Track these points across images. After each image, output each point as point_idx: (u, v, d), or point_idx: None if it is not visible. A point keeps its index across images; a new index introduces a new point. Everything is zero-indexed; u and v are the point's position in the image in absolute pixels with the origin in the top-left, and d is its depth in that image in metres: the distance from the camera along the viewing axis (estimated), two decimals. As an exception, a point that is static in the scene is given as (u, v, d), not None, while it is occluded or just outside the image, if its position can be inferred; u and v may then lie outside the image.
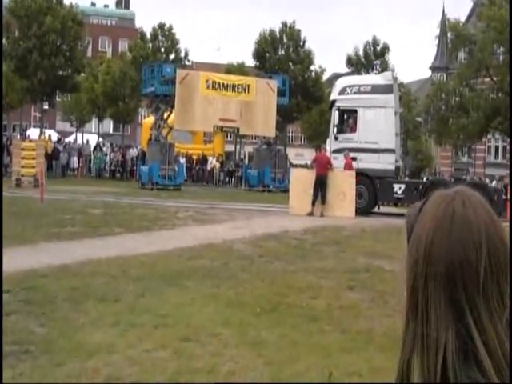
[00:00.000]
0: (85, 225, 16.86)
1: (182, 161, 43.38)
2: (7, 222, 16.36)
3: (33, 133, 52.45)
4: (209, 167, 48.32)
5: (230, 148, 59.08)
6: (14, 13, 46.37)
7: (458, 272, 1.26)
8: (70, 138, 59.17)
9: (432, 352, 1.26)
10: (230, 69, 55.70)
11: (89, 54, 59.62)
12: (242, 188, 42.50)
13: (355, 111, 25.37)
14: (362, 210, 24.06)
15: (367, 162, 24.68)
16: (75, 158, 46.06)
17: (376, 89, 25.41)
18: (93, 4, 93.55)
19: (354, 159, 24.74)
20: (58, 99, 58.12)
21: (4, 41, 48.18)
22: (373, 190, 24.85)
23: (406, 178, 30.93)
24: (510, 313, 1.28)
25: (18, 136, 45.65)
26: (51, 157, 41.03)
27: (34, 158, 32.09)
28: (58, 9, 47.95)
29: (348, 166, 23.98)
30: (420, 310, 1.29)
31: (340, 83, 26.65)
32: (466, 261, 1.26)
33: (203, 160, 48.74)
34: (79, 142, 56.60)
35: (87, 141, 53.05)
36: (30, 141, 36.14)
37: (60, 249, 13.14)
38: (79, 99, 58.56)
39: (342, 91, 25.80)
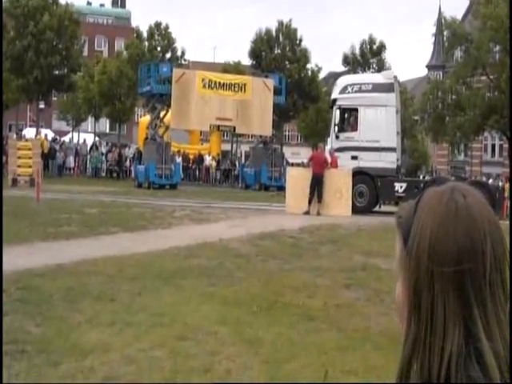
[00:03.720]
0: (81, 224, 16.84)
1: (179, 160, 43.38)
2: (3, 221, 16.36)
3: (29, 132, 52.36)
4: (205, 166, 48.34)
5: (227, 147, 59.04)
6: (10, 12, 46.29)
7: (466, 264, 1.25)
8: (67, 138, 59.08)
9: (437, 351, 1.25)
10: (227, 68, 55.67)
11: (85, 53, 59.44)
12: (238, 187, 42.54)
13: (356, 110, 25.28)
14: (363, 209, 24.05)
15: (368, 161, 24.61)
16: (71, 158, 46.02)
17: (377, 87, 25.33)
18: (89, 3, 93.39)
19: (355, 158, 24.73)
20: (54, 98, 58.12)
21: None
22: (374, 189, 24.78)
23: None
24: (511, 315, 1.28)
25: (14, 135, 45.51)
26: (47, 156, 40.98)
27: (30, 158, 32.04)
28: (54, 8, 47.92)
29: (334, 164, 23.94)
30: (424, 309, 1.28)
31: (341, 82, 26.56)
32: (473, 252, 1.26)
33: (200, 159, 48.76)
34: (75, 141, 56.55)
35: (84, 140, 53.02)
36: (26, 140, 36.04)
37: (56, 248, 13.12)
38: (75, 98, 58.50)
39: (343, 90, 25.71)
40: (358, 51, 57.28)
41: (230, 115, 38.21)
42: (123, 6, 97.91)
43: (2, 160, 27.47)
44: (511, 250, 1.35)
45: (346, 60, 57.31)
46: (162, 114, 38.72)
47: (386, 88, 25.38)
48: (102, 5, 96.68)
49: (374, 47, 57.27)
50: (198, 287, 10.01)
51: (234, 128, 39.86)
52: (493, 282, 1.27)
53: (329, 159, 23.88)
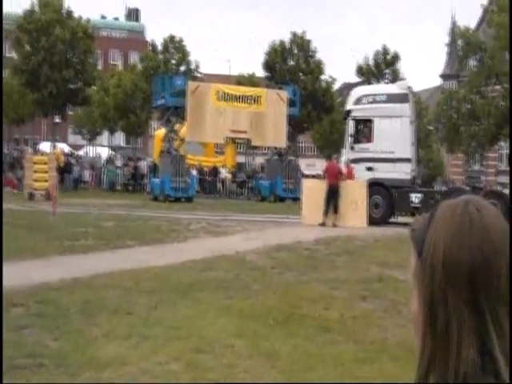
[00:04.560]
0: (97, 238, 16.88)
1: (194, 172, 43.45)
2: (20, 234, 16.51)
3: (45, 146, 52.68)
4: (220, 179, 48.36)
5: (242, 159, 59.11)
6: (24, 27, 46.68)
7: (480, 277, 1.25)
8: (82, 151, 59.38)
9: (452, 365, 1.24)
10: (241, 80, 55.86)
11: (99, 66, 59.78)
12: (253, 199, 42.54)
13: (371, 121, 25.19)
14: (379, 220, 23.94)
15: (383, 172, 24.52)
16: (87, 171, 46.22)
17: (392, 98, 25.24)
18: (103, 17, 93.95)
19: (370, 169, 24.68)
20: (69, 112, 58.44)
21: (15, 55, 48.63)
22: (389, 200, 24.68)
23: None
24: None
25: (30, 149, 45.88)
26: (63, 170, 41.15)
27: (46, 172, 32.19)
28: (68, 22, 48.21)
29: (349, 175, 23.94)
30: (439, 323, 1.27)
31: (355, 93, 26.50)
32: (487, 265, 1.25)
33: (215, 171, 48.78)
34: (91, 154, 56.79)
35: (99, 154, 53.24)
36: (42, 154, 36.26)
37: (72, 262, 13.16)
38: (90, 112, 58.85)
39: (358, 101, 25.65)
40: (371, 62, 57.28)
41: (244, 127, 38.27)
42: (137, 19, 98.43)
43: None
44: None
45: (360, 71, 57.31)
46: (176, 127, 38.82)
47: (401, 98, 25.31)
48: (115, 18, 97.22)
49: (388, 57, 57.24)
50: (214, 300, 10.01)
51: (249, 140, 39.96)
52: (506, 296, 1.26)
53: (344, 170, 23.86)
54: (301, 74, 54.65)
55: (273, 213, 27.84)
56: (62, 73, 46.64)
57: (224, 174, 48.43)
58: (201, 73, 57.79)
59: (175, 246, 16.28)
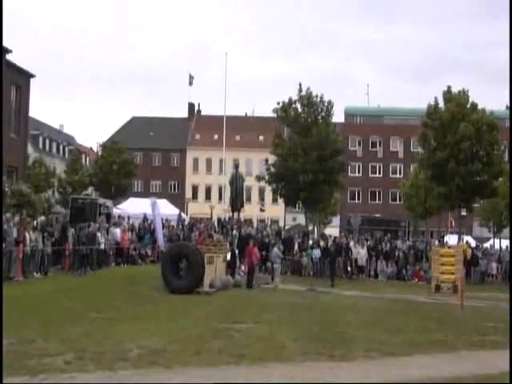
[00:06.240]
0: (506, 333, 16.36)
1: None
2: (429, 327, 16.85)
3: (451, 239, 53.03)
4: None
5: None
6: (429, 124, 48.02)
7: None
8: (488, 244, 58.57)
9: None
10: None
11: (506, 158, 59.00)
12: None
13: None
14: None
15: None
16: (494, 264, 45.33)
17: None
18: (508, 107, 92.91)
19: None
20: (475, 205, 58.28)
21: (422, 150, 50.23)
22: None
23: None
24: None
25: (437, 242, 46.54)
26: (470, 263, 40.92)
27: (452, 265, 32.35)
28: (472, 115, 48.39)
29: None
30: None
31: None
32: None
33: None
34: (497, 247, 55.75)
35: (505, 246, 52.03)
36: (449, 247, 36.60)
37: (484, 357, 12.92)
38: (496, 204, 58.19)
39: None
40: None
41: None
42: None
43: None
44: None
45: None
46: None
47: None
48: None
49: None
50: None
51: None
52: None
53: None
54: None
55: None
56: (468, 166, 46.79)
57: None
58: None
59: None
